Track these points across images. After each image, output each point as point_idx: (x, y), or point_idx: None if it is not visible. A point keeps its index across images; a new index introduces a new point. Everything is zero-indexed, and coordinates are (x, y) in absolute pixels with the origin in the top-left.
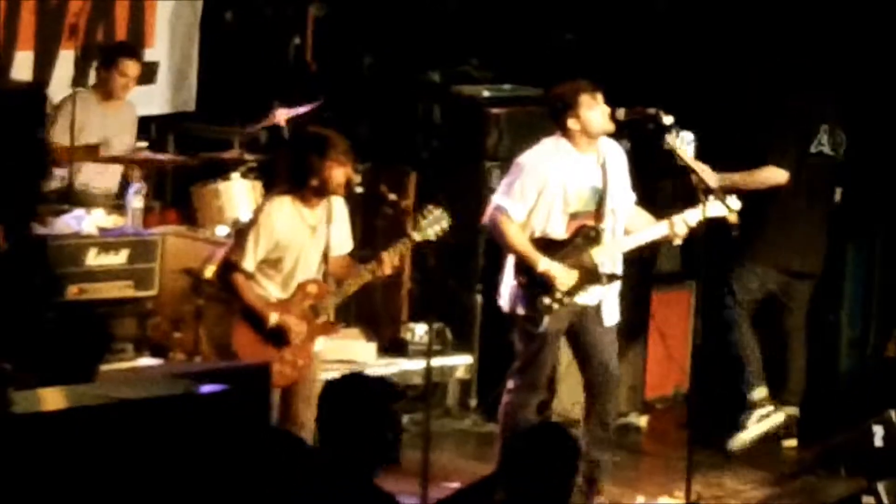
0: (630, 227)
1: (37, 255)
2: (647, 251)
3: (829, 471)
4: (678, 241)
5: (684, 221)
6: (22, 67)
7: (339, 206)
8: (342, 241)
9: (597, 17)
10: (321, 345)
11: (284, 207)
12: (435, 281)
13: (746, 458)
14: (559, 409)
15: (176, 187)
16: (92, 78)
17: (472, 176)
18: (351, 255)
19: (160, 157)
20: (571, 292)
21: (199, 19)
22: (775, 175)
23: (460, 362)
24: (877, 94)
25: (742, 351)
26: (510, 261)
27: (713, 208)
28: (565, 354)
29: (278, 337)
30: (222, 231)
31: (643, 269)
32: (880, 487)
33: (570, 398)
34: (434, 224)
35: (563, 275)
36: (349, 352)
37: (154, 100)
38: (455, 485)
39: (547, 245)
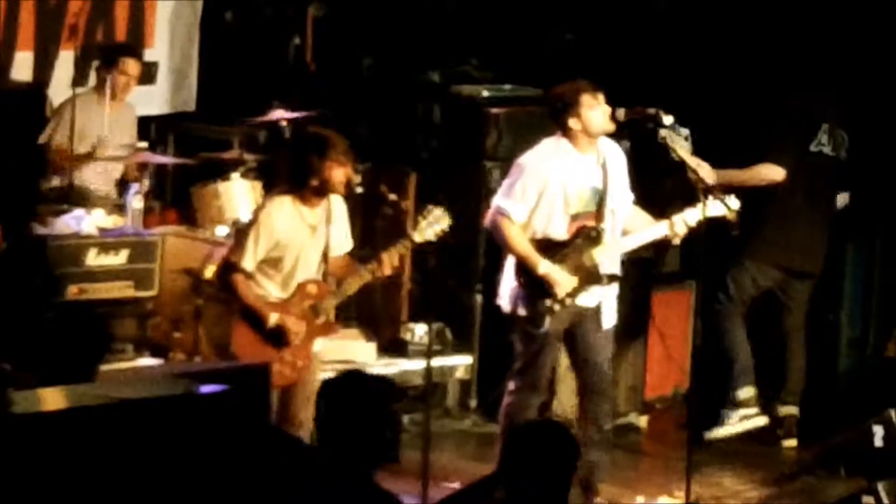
0: (628, 227)
1: (36, 255)
2: (652, 252)
3: (829, 471)
4: (677, 241)
5: (684, 221)
6: (22, 68)
7: (338, 206)
8: (342, 240)
9: (597, 17)
10: (320, 345)
11: (284, 207)
12: (435, 281)
13: (746, 458)
14: (559, 411)
15: (176, 187)
16: (92, 78)
17: (472, 176)
18: (351, 255)
19: (160, 157)
20: (573, 294)
21: (199, 19)
22: (772, 172)
23: (460, 362)
24: (877, 94)
25: (730, 348)
26: (510, 261)
27: (713, 208)
28: (565, 355)
29: (278, 337)
30: (222, 231)
31: (643, 269)
32: (880, 487)
33: (570, 399)
34: (434, 224)
35: (562, 279)
36: (349, 352)
37: (154, 100)
38: (455, 485)
39: (548, 246)
